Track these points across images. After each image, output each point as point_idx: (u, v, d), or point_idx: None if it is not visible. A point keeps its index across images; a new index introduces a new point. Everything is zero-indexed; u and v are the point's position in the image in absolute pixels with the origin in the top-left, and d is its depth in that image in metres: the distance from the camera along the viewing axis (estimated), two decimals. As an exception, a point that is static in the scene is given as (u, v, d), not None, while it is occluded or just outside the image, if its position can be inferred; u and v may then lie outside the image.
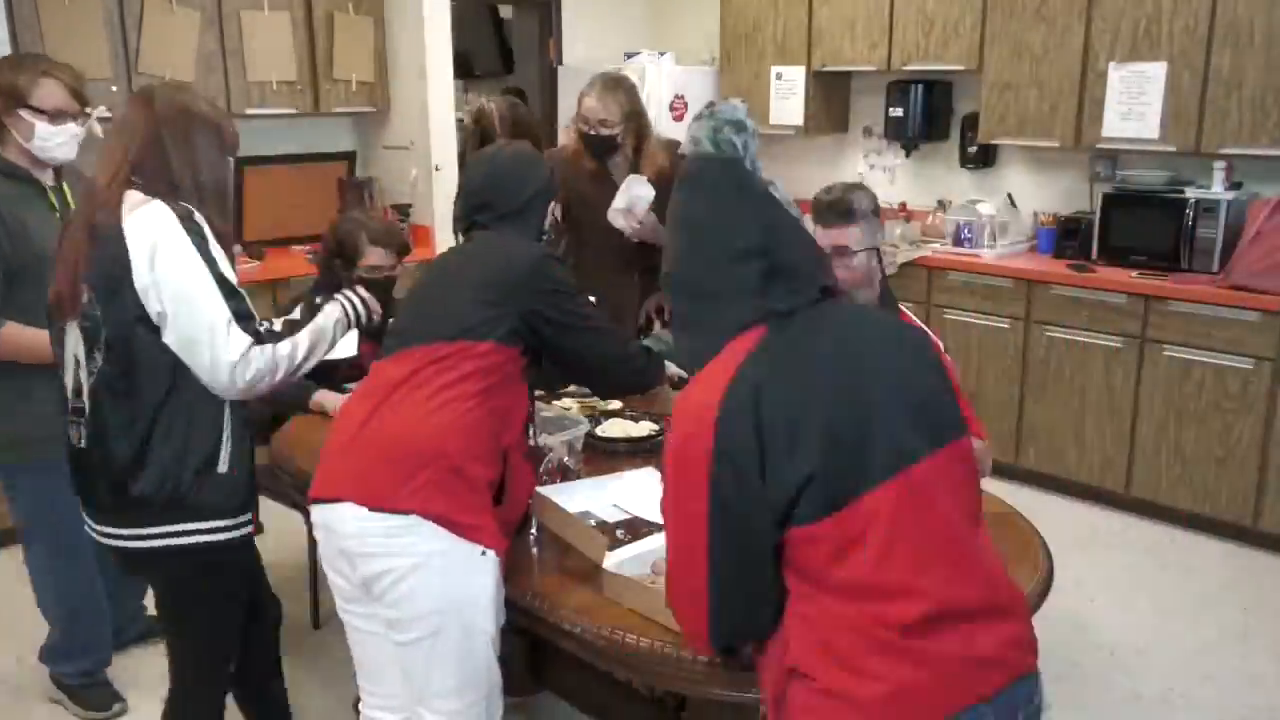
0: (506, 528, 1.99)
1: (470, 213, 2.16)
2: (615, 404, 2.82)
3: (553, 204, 2.25)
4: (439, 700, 1.96)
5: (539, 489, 2.05)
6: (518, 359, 2.00)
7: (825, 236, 2.53)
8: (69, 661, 2.88)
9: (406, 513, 1.85)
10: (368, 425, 1.93)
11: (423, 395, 1.92)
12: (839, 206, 2.52)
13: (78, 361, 1.99)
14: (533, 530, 2.08)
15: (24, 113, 2.45)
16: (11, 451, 2.61)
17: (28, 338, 2.43)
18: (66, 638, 2.85)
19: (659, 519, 2.08)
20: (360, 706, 2.21)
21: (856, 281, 2.55)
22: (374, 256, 3.00)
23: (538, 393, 2.82)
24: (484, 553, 1.88)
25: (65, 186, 2.61)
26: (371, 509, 1.86)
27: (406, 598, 1.88)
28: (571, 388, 2.87)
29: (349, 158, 5.19)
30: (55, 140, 2.48)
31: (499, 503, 1.96)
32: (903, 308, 2.73)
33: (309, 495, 1.99)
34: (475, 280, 2.02)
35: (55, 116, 2.48)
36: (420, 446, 1.88)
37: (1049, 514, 4.19)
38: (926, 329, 2.63)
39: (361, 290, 2.31)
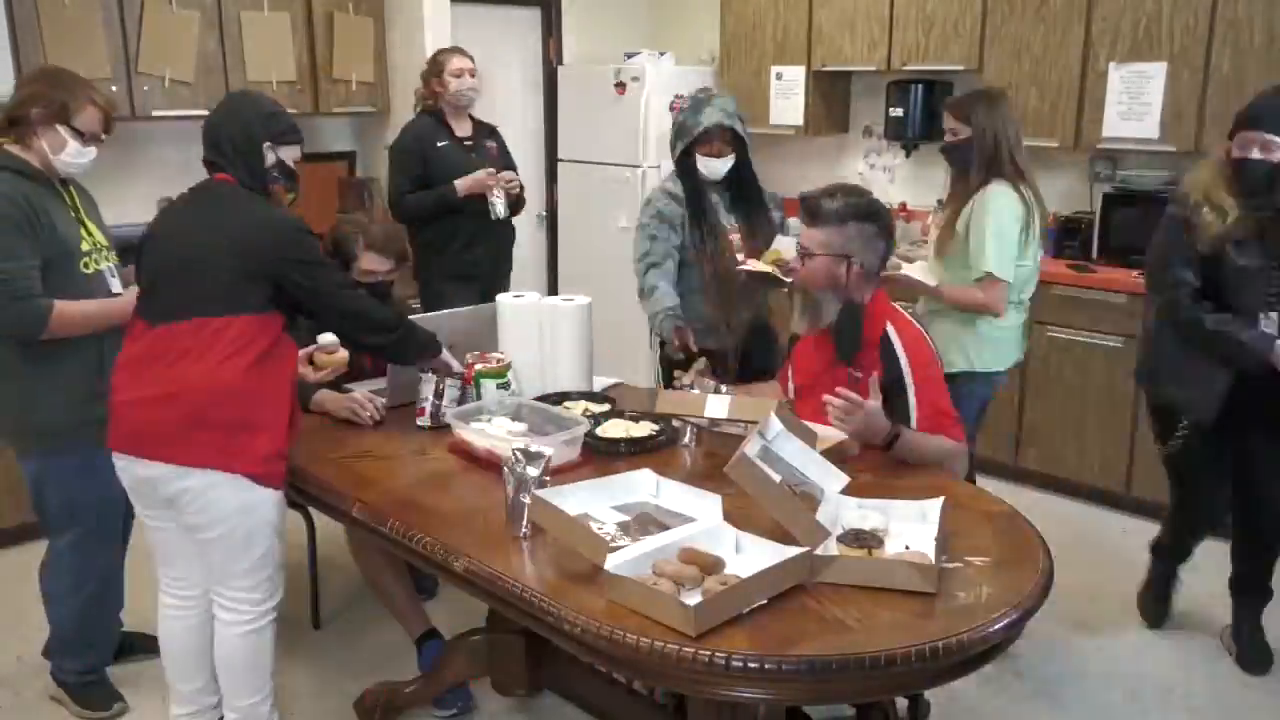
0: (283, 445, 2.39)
1: (206, 154, 2.43)
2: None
3: (282, 148, 2.42)
4: (234, 580, 2.40)
5: (537, 491, 2.05)
6: (279, 319, 2.36)
7: (805, 234, 2.56)
8: (75, 657, 2.87)
9: (190, 465, 2.28)
10: (153, 386, 2.28)
11: (194, 360, 2.27)
12: (807, 206, 2.54)
13: None
14: (524, 529, 2.08)
15: (62, 129, 2.58)
16: (45, 440, 2.66)
17: (79, 309, 2.59)
18: (78, 629, 2.85)
19: (659, 519, 2.10)
20: (160, 590, 2.56)
21: (811, 281, 2.53)
22: (369, 262, 3.00)
23: (546, 393, 2.84)
24: (253, 484, 2.32)
25: (71, 189, 2.73)
26: (164, 461, 2.29)
27: (203, 509, 2.31)
28: (569, 390, 2.88)
29: (349, 158, 5.19)
30: (79, 160, 2.63)
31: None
32: (897, 307, 2.64)
33: (108, 444, 2.35)
34: (234, 249, 2.29)
35: (88, 139, 2.62)
36: (198, 408, 2.26)
37: (1049, 514, 4.20)
38: (918, 337, 2.60)
39: None
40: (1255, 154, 2.72)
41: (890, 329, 2.50)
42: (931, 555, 1.89)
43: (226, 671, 2.49)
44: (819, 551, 1.90)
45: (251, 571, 2.41)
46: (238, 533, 2.35)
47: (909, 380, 2.48)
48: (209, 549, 2.38)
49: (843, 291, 2.51)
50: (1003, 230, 3.01)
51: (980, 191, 3.05)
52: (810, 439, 2.21)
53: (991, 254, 3.00)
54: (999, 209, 3.01)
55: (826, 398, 2.37)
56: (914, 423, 2.45)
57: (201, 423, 2.27)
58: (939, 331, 2.96)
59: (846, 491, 2.14)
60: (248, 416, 2.30)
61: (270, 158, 2.41)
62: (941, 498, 2.07)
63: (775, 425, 2.16)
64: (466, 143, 4.12)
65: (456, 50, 4.13)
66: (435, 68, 4.07)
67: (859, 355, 2.54)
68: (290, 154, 2.46)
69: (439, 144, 4.05)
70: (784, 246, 2.96)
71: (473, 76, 4.05)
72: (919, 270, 3.18)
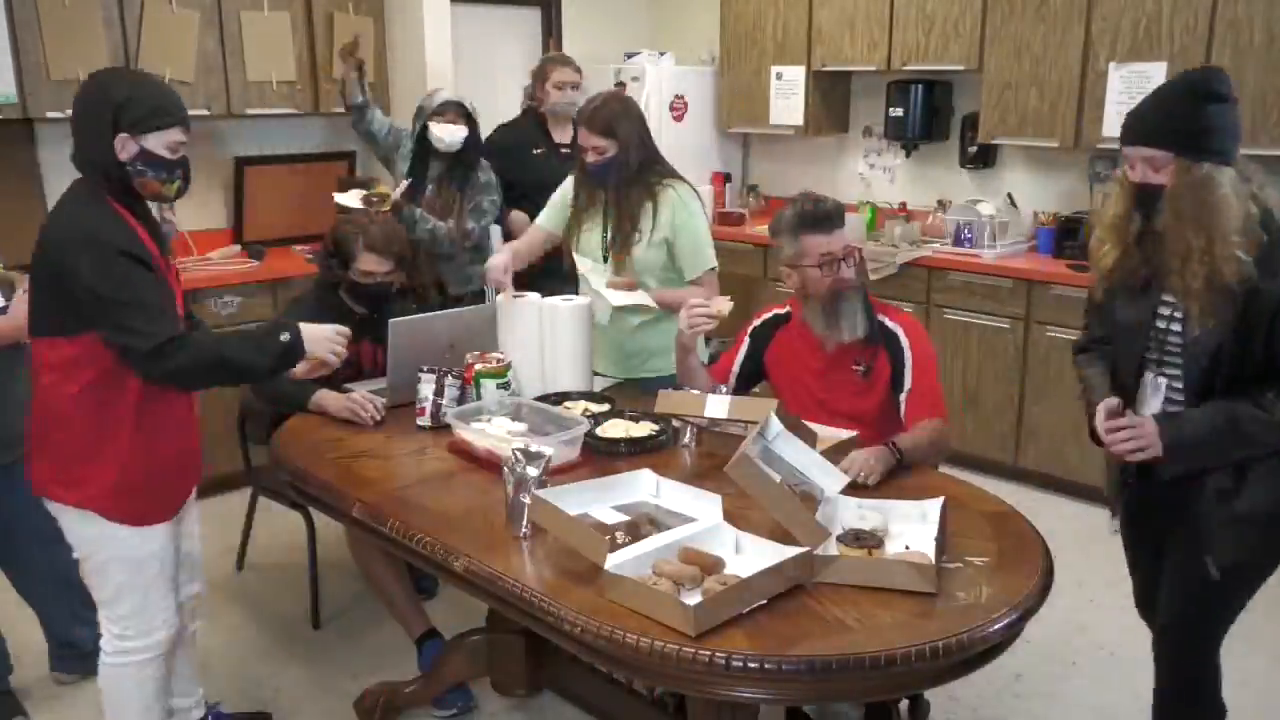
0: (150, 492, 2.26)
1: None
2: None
3: (147, 135, 2.10)
4: (103, 608, 2.33)
5: (537, 491, 2.05)
6: (104, 349, 2.11)
7: (831, 242, 2.53)
8: None
9: (37, 493, 2.24)
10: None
11: (35, 381, 2.19)
12: (837, 211, 2.57)
13: None
14: (524, 529, 2.08)
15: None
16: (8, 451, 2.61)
17: None
18: None
19: (659, 518, 2.10)
20: None
21: (856, 281, 2.57)
22: (368, 262, 3.00)
23: (546, 393, 2.84)
24: (96, 521, 2.20)
25: None
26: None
27: (67, 532, 2.26)
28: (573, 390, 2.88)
29: (349, 158, 5.18)
30: None
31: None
32: (891, 304, 2.74)
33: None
34: (40, 263, 2.12)
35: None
36: (36, 433, 2.20)
37: (1049, 514, 4.20)
38: (915, 323, 2.66)
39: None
40: (1137, 175, 2.14)
41: (884, 319, 2.61)
42: (931, 555, 1.89)
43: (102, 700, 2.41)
44: (819, 552, 1.90)
45: (108, 604, 2.31)
46: (89, 563, 2.28)
47: (908, 358, 2.56)
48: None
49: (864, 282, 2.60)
50: (706, 225, 3.03)
51: (661, 195, 2.95)
52: (811, 439, 2.22)
53: (710, 250, 3.02)
54: (697, 207, 3.01)
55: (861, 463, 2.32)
56: (906, 395, 2.54)
57: (40, 448, 2.22)
58: (666, 336, 2.90)
59: (846, 492, 2.15)
60: (84, 447, 2.17)
61: (130, 149, 2.09)
62: (942, 498, 2.07)
63: (776, 425, 2.16)
64: (564, 149, 4.05)
65: (564, 61, 4.05)
66: (540, 74, 4.03)
67: (863, 349, 2.60)
68: (163, 140, 2.12)
69: (534, 150, 4.06)
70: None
71: (575, 90, 3.94)
72: (620, 294, 2.99)
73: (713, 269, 3.01)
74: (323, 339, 2.30)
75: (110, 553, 2.25)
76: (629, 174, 2.92)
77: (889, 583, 1.84)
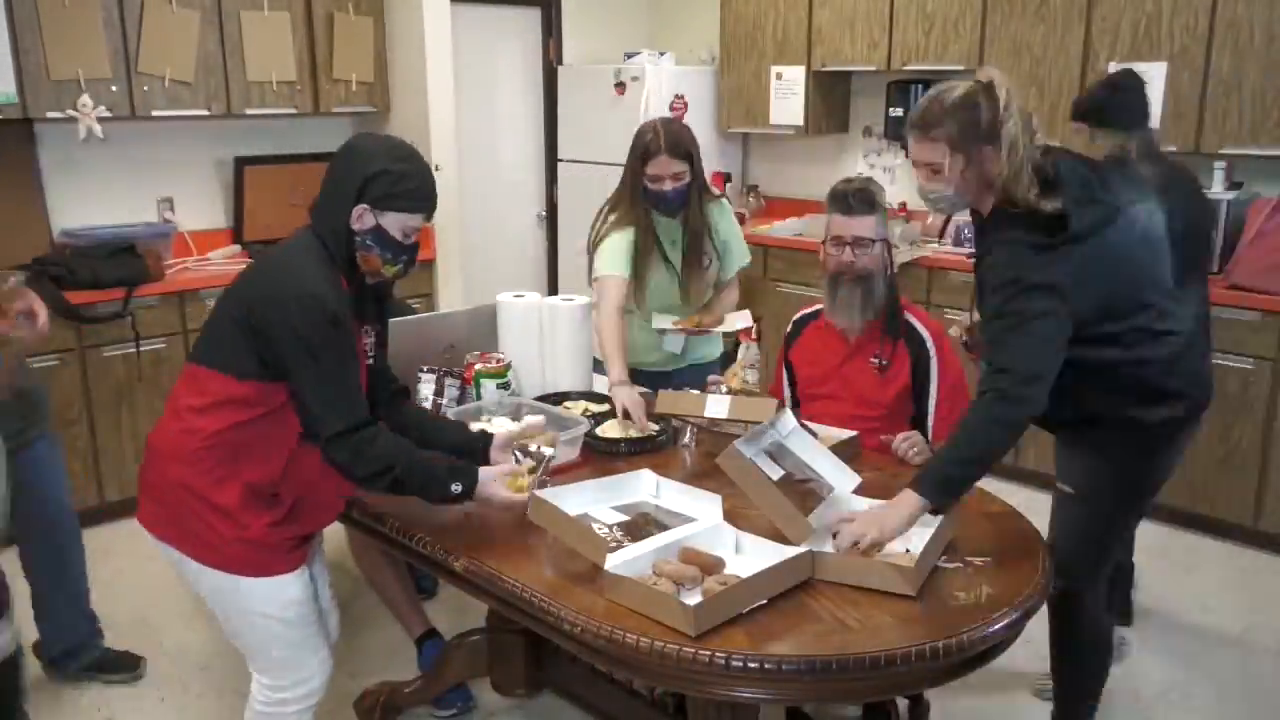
0: (294, 539, 2.12)
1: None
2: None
3: (387, 214, 2.00)
4: (250, 663, 2.22)
5: (536, 492, 2.05)
6: (272, 395, 2.00)
7: (847, 225, 2.59)
8: None
9: (159, 539, 2.09)
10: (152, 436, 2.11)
11: (170, 416, 2.07)
12: (865, 195, 2.62)
13: None
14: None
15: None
16: None
17: None
18: None
19: (659, 518, 2.10)
20: None
21: (874, 268, 2.60)
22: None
23: (545, 393, 2.83)
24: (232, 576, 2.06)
25: None
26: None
27: (193, 584, 2.13)
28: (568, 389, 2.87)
29: (349, 158, 5.18)
30: None
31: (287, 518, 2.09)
32: (908, 302, 2.77)
33: None
34: (243, 300, 2.00)
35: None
36: (162, 471, 2.05)
37: (1049, 514, 4.20)
38: (934, 324, 2.70)
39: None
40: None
41: (908, 316, 2.68)
42: (922, 555, 1.89)
43: None
44: (804, 548, 1.90)
45: (253, 656, 2.20)
46: (220, 614, 2.16)
47: (933, 357, 2.62)
48: None
49: (886, 274, 2.65)
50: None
51: (712, 206, 3.05)
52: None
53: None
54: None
55: (896, 444, 2.49)
56: (934, 393, 2.61)
57: (160, 486, 2.08)
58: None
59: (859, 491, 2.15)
60: (204, 491, 2.02)
61: (366, 221, 2.00)
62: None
63: (790, 421, 2.17)
64: None
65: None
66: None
67: (886, 344, 2.65)
68: (400, 222, 2.01)
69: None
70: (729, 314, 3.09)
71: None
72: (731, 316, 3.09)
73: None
74: (490, 482, 2.11)
75: (237, 605, 2.11)
76: (698, 194, 2.95)
77: (869, 582, 1.84)
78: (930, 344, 2.64)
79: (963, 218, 4.67)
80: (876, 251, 2.61)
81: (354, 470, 2.01)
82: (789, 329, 2.88)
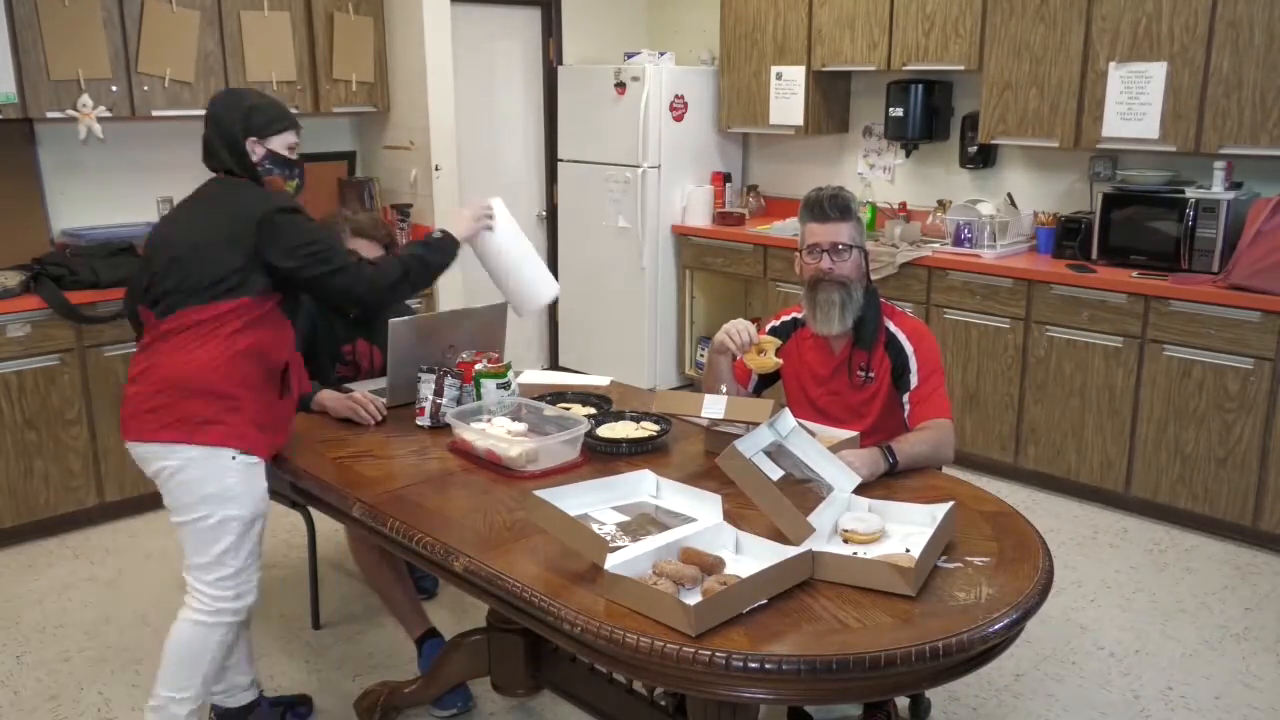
0: (273, 433, 2.45)
1: (204, 159, 2.47)
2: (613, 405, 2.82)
3: (270, 139, 2.41)
4: (197, 571, 2.41)
5: (536, 492, 2.05)
6: (270, 304, 2.39)
7: (822, 232, 2.58)
8: None
9: (156, 440, 2.34)
10: (140, 374, 2.38)
11: (181, 342, 2.33)
12: (839, 202, 2.60)
13: None
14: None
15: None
16: None
17: None
18: None
19: (659, 518, 2.10)
20: None
21: (850, 276, 2.58)
22: (359, 248, 3.01)
23: (544, 395, 2.84)
24: (233, 456, 2.35)
25: None
26: (135, 440, 2.38)
27: (174, 490, 2.36)
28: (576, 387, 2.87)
29: (349, 158, 5.19)
30: None
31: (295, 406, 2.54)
32: (896, 306, 2.76)
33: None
34: (220, 239, 2.33)
35: None
36: (169, 382, 2.32)
37: (1049, 514, 4.21)
38: (920, 325, 2.69)
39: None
40: None
41: (889, 324, 2.65)
42: (922, 555, 1.88)
43: (164, 655, 2.46)
44: (804, 548, 1.90)
45: (210, 566, 2.40)
46: (210, 520, 2.36)
47: (913, 362, 2.61)
48: (180, 535, 2.41)
49: (864, 281, 2.64)
50: None
51: None
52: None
53: None
54: None
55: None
56: (910, 395, 2.59)
57: (169, 406, 2.33)
58: None
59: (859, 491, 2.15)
60: (232, 394, 2.35)
61: (258, 151, 2.41)
62: (951, 502, 2.06)
63: (790, 421, 2.17)
64: None
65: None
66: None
67: (868, 353, 2.63)
68: (281, 142, 2.45)
69: None
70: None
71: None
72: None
73: None
74: (465, 218, 2.71)
75: (229, 511, 2.36)
76: None
77: (870, 582, 1.84)
78: (909, 348, 2.61)
79: (963, 217, 4.67)
80: (854, 258, 2.60)
81: (380, 283, 2.45)
82: (775, 326, 2.81)
